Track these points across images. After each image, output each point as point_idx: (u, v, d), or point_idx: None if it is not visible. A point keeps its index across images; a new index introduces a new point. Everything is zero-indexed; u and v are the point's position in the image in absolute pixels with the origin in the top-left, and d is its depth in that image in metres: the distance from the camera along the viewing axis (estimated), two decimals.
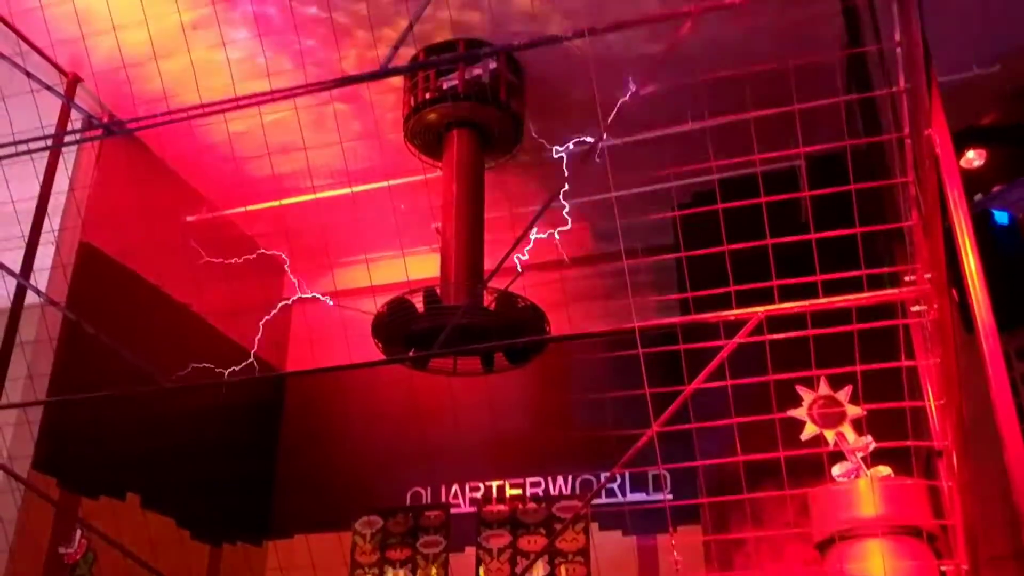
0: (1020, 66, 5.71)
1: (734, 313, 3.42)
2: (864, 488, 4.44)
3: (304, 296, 6.67)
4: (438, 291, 5.46)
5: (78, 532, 5.69)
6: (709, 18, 3.45)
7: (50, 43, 5.29)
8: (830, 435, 4.67)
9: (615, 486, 7.08)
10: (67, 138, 5.27)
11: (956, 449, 3.16)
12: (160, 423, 6.24)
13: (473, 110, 5.74)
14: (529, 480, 7.25)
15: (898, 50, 3.28)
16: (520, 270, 5.39)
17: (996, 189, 5.83)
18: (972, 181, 5.81)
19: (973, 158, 6.07)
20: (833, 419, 4.68)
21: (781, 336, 3.44)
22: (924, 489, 4.36)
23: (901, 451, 3.93)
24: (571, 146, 6.22)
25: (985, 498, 3.45)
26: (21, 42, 5.31)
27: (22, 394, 5.25)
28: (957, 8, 5.05)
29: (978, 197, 5.81)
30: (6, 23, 5.21)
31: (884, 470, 4.62)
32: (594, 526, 6.89)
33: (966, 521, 3.17)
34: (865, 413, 4.47)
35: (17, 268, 5.18)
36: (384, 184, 6.47)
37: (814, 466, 4.18)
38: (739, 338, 3.34)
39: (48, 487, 5.51)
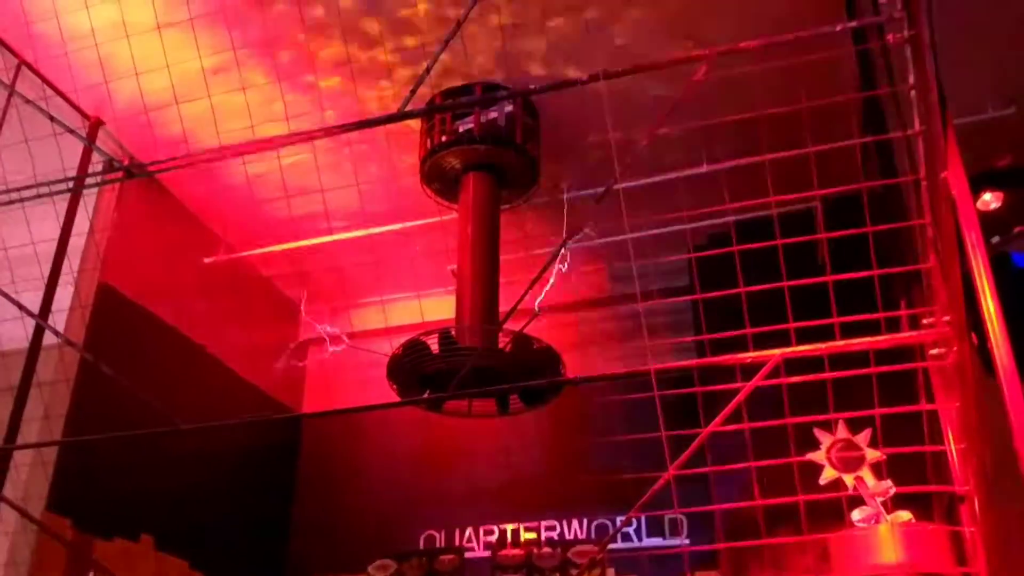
0: None
1: (751, 356, 3.40)
2: (885, 534, 4.37)
3: (320, 337, 6.68)
4: (453, 333, 5.46)
5: (91, 574, 5.66)
6: (724, 61, 3.47)
7: (73, 88, 5.39)
8: (849, 479, 4.60)
9: (631, 530, 7.00)
10: (88, 181, 5.34)
11: (979, 494, 3.11)
12: (175, 465, 6.23)
13: (489, 153, 5.78)
14: (544, 524, 7.18)
15: (912, 93, 3.29)
16: (537, 311, 5.39)
17: (1018, 230, 5.80)
18: (989, 223, 5.78)
19: (990, 200, 6.05)
20: (852, 463, 4.62)
21: (799, 379, 3.41)
22: (946, 535, 4.28)
23: (922, 496, 3.87)
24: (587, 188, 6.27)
25: (1009, 544, 3.39)
26: (45, 87, 5.40)
27: (38, 434, 5.26)
28: (971, 50, 5.07)
29: (996, 239, 5.78)
30: (32, 68, 5.31)
31: (905, 515, 4.54)
32: (611, 571, 6.80)
33: (990, 568, 3.11)
34: (885, 457, 4.41)
35: (36, 309, 5.22)
36: (400, 226, 6.52)
37: (833, 511, 4.12)
38: (756, 381, 3.32)
39: (62, 528, 5.50)
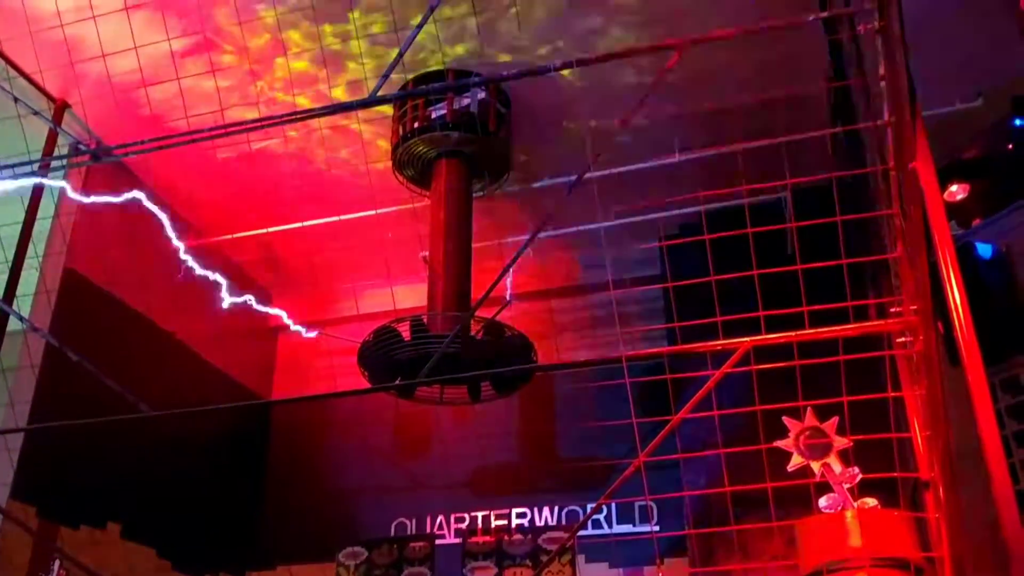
0: (1002, 100, 5.79)
1: (721, 343, 3.42)
2: (851, 520, 4.42)
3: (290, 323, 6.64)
4: (425, 320, 5.44)
5: (57, 563, 5.60)
6: (696, 51, 3.48)
7: (38, 69, 5.29)
8: (816, 466, 4.66)
9: (601, 517, 7.03)
10: (54, 164, 5.26)
11: (943, 481, 3.16)
12: (143, 452, 6.17)
13: (461, 140, 5.76)
14: (515, 511, 7.20)
15: (883, 84, 3.32)
16: (509, 299, 5.38)
17: (976, 223, 5.87)
18: (955, 214, 5.85)
19: (956, 191, 6.13)
20: (819, 450, 4.67)
21: (768, 367, 3.44)
22: (911, 521, 4.34)
23: (888, 483, 3.92)
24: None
25: (972, 530, 3.45)
26: (9, 68, 5.30)
27: (2, 421, 5.19)
28: (940, 43, 5.12)
29: (960, 231, 5.85)
30: None
31: (871, 502, 4.61)
32: (580, 558, 6.84)
33: (953, 554, 3.16)
34: (851, 444, 4.46)
35: (0, 293, 5.15)
36: (372, 213, 6.48)
37: (801, 497, 4.16)
38: (726, 368, 3.34)
39: (27, 516, 5.43)
